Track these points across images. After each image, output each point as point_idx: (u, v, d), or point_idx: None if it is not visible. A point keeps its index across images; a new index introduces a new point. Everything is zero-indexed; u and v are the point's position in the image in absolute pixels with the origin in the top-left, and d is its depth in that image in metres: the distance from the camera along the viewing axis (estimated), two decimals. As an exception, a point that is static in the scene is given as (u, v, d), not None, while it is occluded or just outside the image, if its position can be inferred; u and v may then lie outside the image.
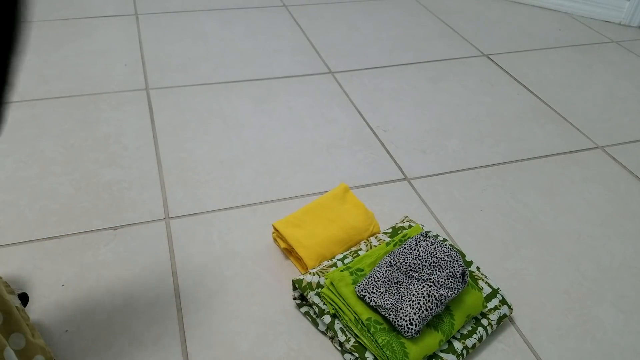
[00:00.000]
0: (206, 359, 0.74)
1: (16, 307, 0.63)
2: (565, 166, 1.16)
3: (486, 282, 0.82)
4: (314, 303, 0.76)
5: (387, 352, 0.69)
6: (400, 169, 1.12)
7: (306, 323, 0.79)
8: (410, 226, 0.90)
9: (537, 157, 1.19)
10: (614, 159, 1.20)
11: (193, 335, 0.76)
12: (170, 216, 0.96)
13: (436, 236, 0.87)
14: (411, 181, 1.09)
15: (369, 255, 0.81)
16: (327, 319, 0.75)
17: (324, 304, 0.76)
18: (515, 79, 1.48)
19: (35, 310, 0.78)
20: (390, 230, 0.90)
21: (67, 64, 1.40)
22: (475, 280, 0.82)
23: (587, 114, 1.35)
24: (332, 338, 0.77)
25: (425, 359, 0.71)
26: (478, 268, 0.84)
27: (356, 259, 0.81)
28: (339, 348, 0.76)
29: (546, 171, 1.15)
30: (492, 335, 0.79)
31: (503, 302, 0.80)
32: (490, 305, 0.79)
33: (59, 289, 0.82)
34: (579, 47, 1.68)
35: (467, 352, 0.74)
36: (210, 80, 1.37)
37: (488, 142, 1.22)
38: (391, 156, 1.15)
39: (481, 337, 0.76)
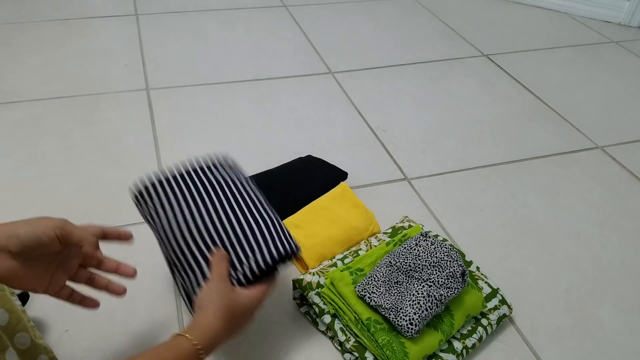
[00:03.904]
0: (206, 359, 0.74)
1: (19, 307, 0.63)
2: (565, 166, 1.16)
3: (486, 282, 0.82)
4: (314, 303, 0.76)
5: (387, 352, 0.69)
6: (400, 169, 1.12)
7: (306, 323, 0.79)
8: (410, 226, 0.90)
9: (537, 157, 1.19)
10: (614, 159, 1.20)
11: (193, 335, 0.76)
12: (170, 216, 0.96)
13: (436, 236, 0.87)
14: (411, 181, 1.09)
15: (369, 255, 0.81)
16: (327, 318, 0.75)
17: (324, 303, 0.76)
18: (515, 79, 1.48)
19: (36, 309, 0.78)
20: (390, 230, 0.90)
21: (67, 64, 1.40)
22: (475, 280, 0.82)
23: (587, 114, 1.35)
24: (332, 338, 0.77)
25: (425, 358, 0.72)
26: (478, 268, 0.84)
27: (356, 258, 0.81)
28: (339, 348, 0.76)
29: (546, 171, 1.15)
30: (492, 335, 0.79)
31: (503, 302, 0.80)
32: (490, 305, 0.79)
33: (59, 289, 0.82)
34: (579, 47, 1.68)
35: (467, 352, 0.74)
36: (210, 80, 1.37)
37: (488, 142, 1.22)
38: (391, 156, 1.15)
39: (481, 337, 0.76)
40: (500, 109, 1.35)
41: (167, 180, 0.67)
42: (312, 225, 0.88)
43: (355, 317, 0.72)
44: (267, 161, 1.05)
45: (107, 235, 0.66)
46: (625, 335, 0.82)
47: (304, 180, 0.98)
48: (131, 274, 0.66)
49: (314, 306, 0.76)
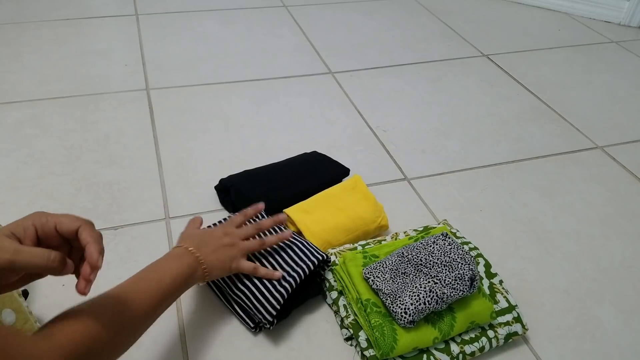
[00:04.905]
0: (206, 359, 0.74)
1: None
2: (565, 166, 1.16)
3: (505, 297, 0.81)
4: (325, 278, 0.81)
5: (376, 334, 0.71)
6: (400, 169, 1.12)
7: (305, 323, 0.79)
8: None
9: (537, 157, 1.19)
10: (614, 159, 1.20)
11: (193, 335, 0.76)
12: (170, 216, 0.96)
13: (466, 242, 0.88)
14: (411, 181, 1.09)
15: (389, 245, 0.84)
16: (334, 294, 0.79)
17: (335, 280, 0.80)
18: (515, 79, 1.48)
19: (36, 309, 0.78)
20: (421, 228, 0.90)
21: (67, 64, 1.40)
22: (494, 292, 0.81)
23: (587, 114, 1.35)
24: (335, 312, 0.80)
25: (416, 351, 0.72)
26: (501, 282, 0.83)
27: (376, 246, 0.84)
28: (339, 323, 0.79)
29: (546, 171, 1.15)
30: (497, 349, 0.78)
31: (517, 319, 0.78)
32: (502, 319, 0.78)
33: (59, 288, 0.82)
34: (579, 47, 1.68)
35: (464, 358, 0.74)
36: (210, 80, 1.37)
37: (488, 142, 1.22)
38: (391, 156, 1.15)
39: (482, 347, 0.75)
40: (500, 109, 1.35)
41: (215, 225, 0.84)
42: (321, 212, 0.90)
43: (356, 296, 0.75)
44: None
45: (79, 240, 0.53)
46: (625, 335, 0.82)
47: (304, 175, 1.00)
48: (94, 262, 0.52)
49: (325, 281, 0.81)
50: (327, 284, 0.81)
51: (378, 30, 1.70)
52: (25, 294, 0.77)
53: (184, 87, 1.34)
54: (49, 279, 0.83)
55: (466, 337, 0.75)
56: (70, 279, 0.83)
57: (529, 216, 1.02)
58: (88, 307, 0.53)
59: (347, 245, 0.86)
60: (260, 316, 0.73)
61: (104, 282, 0.83)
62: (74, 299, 0.81)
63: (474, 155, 1.18)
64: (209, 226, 0.82)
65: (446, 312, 0.74)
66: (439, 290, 0.72)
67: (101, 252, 0.51)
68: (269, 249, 0.80)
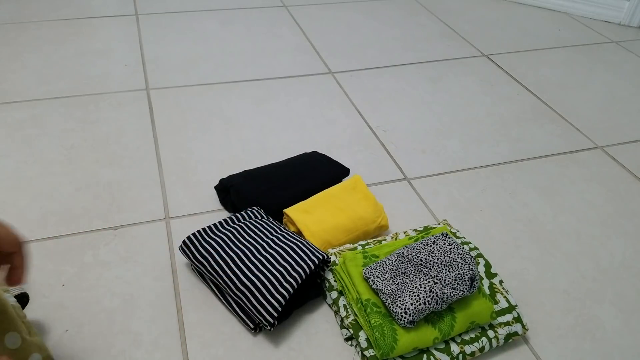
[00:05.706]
0: (206, 359, 0.74)
1: (12, 305, 0.63)
2: (565, 166, 1.16)
3: (505, 297, 0.81)
4: (325, 278, 0.81)
5: (377, 334, 0.71)
6: (400, 169, 1.12)
7: (305, 323, 0.79)
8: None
9: (537, 157, 1.19)
10: (614, 159, 1.20)
11: (193, 335, 0.76)
12: (170, 216, 0.96)
13: (466, 243, 0.88)
14: (411, 181, 1.09)
15: (389, 245, 0.84)
16: (334, 294, 0.80)
17: (335, 280, 0.80)
18: (515, 79, 1.48)
19: (36, 309, 0.78)
20: (421, 228, 0.90)
21: (67, 64, 1.40)
22: (494, 292, 0.81)
23: (587, 114, 1.35)
24: (335, 312, 0.80)
25: (416, 351, 0.72)
26: (501, 282, 0.83)
27: (376, 246, 0.84)
28: (339, 323, 0.79)
29: (546, 171, 1.15)
30: (497, 349, 0.78)
31: (517, 320, 0.78)
32: (502, 319, 0.78)
33: (59, 288, 0.82)
34: (579, 47, 1.68)
35: (464, 358, 0.74)
36: (210, 80, 1.37)
37: (488, 142, 1.22)
38: (391, 156, 1.15)
39: (483, 348, 0.75)
40: (500, 109, 1.35)
41: (215, 225, 0.85)
42: (321, 212, 0.90)
43: (356, 296, 0.75)
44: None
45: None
46: (625, 335, 0.82)
47: (304, 175, 0.99)
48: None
49: (325, 281, 0.81)
50: (327, 284, 0.81)
51: (378, 30, 1.70)
52: (26, 299, 0.76)
53: (184, 87, 1.34)
54: (48, 278, 0.83)
55: (466, 337, 0.75)
56: (71, 277, 0.84)
57: (529, 216, 1.02)
58: None
59: (347, 245, 0.86)
60: (260, 318, 0.73)
61: (105, 283, 0.83)
62: (73, 299, 0.81)
63: (474, 155, 1.18)
64: None
65: (446, 312, 0.74)
66: (439, 290, 0.72)
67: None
68: (268, 249, 0.80)
